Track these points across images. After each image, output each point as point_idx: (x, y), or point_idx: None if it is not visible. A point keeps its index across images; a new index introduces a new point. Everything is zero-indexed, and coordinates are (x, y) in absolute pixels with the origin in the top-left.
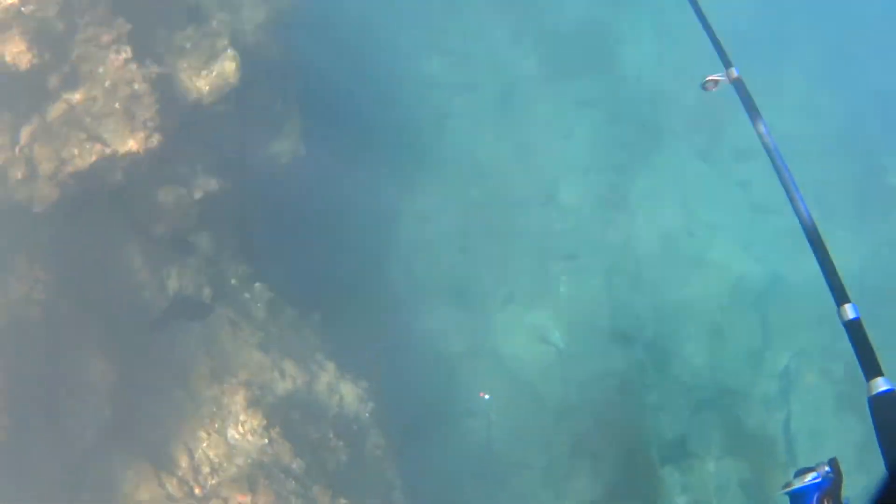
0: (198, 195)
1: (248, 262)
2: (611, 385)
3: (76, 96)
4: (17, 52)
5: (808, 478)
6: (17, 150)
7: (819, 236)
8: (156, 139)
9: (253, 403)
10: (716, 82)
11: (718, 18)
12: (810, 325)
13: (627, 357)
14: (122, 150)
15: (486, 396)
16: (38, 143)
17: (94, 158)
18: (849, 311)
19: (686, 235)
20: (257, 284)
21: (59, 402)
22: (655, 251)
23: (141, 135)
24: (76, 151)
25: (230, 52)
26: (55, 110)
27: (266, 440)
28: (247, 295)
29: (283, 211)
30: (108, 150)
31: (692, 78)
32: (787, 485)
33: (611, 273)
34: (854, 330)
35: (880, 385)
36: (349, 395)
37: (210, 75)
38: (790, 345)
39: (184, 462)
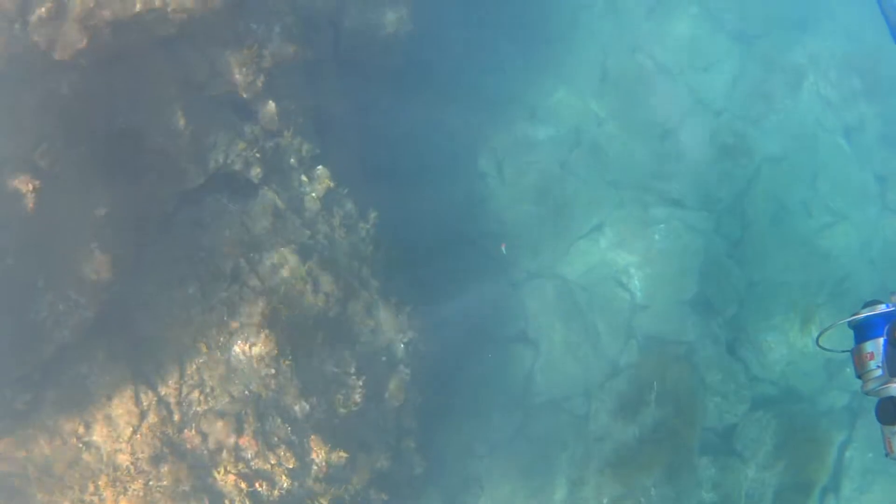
0: (266, 62)
1: (315, 141)
2: (676, 352)
3: None
4: None
5: (879, 308)
6: None
7: None
8: None
9: (270, 323)
10: None
11: None
12: None
13: (703, 328)
14: (175, 4)
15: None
16: None
17: (137, 8)
18: None
19: (805, 214)
20: (320, 168)
21: (33, 293)
22: (766, 221)
23: None
24: None
25: None
26: None
27: (273, 370)
28: (304, 178)
29: (375, 89)
30: (157, 1)
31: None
32: (855, 314)
33: (713, 232)
34: None
35: None
36: (387, 322)
37: None
38: None
39: (171, 379)
